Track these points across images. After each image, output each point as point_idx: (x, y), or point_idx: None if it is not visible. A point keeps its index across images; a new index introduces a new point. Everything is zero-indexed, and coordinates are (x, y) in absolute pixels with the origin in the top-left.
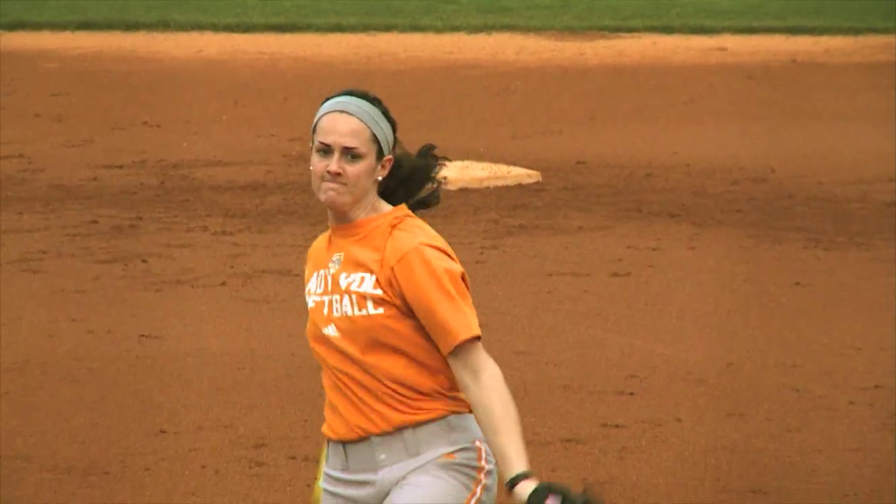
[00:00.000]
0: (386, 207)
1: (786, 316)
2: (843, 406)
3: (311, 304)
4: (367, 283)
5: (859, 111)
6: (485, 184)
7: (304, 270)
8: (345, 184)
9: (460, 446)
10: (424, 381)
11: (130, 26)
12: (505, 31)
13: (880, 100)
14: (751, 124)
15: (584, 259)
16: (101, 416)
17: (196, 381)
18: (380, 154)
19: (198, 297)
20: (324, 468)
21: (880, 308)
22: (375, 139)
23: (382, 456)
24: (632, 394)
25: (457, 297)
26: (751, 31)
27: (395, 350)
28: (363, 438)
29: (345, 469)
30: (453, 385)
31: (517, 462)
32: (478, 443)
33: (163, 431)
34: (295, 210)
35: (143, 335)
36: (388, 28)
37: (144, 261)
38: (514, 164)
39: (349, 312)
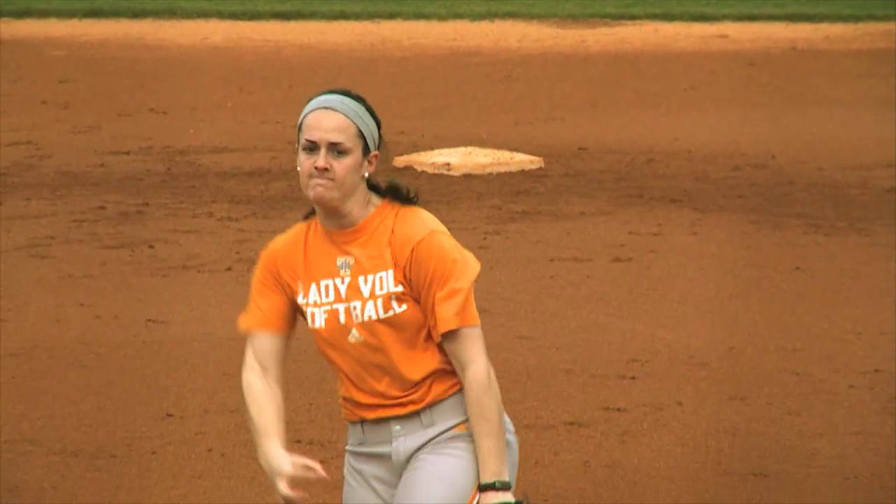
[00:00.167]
0: (379, 200)
1: (786, 301)
2: (843, 390)
3: (320, 314)
4: (388, 283)
5: (859, 98)
6: (488, 170)
7: (261, 285)
8: (332, 179)
9: None
10: (442, 365)
11: (137, 14)
12: (507, 18)
13: (880, 86)
14: (751, 111)
15: (586, 244)
16: (108, 400)
17: (202, 365)
18: (366, 150)
19: (204, 282)
20: (345, 449)
21: (880, 293)
22: (361, 135)
23: (397, 427)
24: (633, 378)
25: (457, 287)
26: (751, 18)
27: (418, 342)
28: (382, 419)
29: (362, 443)
30: None
31: (482, 468)
32: None
33: (169, 415)
34: (299, 196)
35: (149, 320)
36: (391, 16)
37: (151, 246)
38: (517, 150)
39: (375, 316)
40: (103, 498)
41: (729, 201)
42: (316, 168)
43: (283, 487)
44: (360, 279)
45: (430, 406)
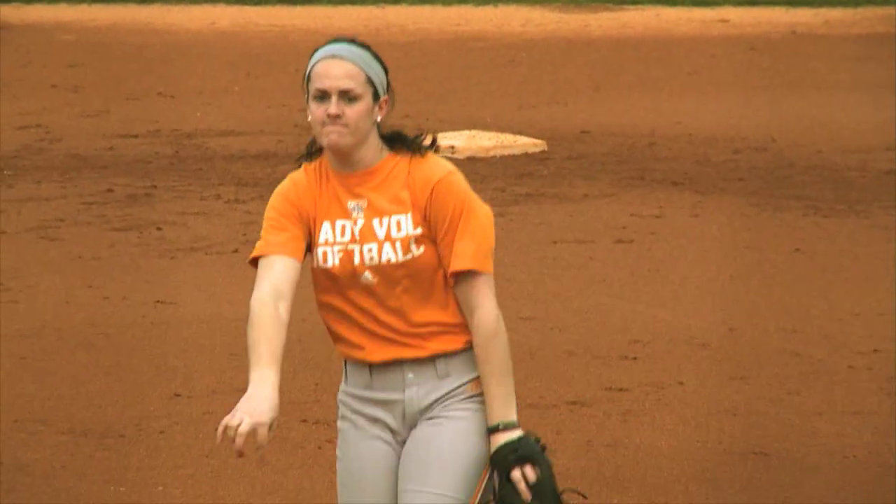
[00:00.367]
0: (390, 148)
1: (786, 282)
2: (842, 370)
3: (333, 254)
4: (406, 225)
5: (858, 81)
6: (491, 153)
7: (279, 215)
8: (346, 125)
9: None
10: (452, 318)
11: None
12: (511, 3)
13: (879, 70)
14: (752, 95)
15: (588, 226)
16: (117, 380)
17: (210, 346)
18: (376, 96)
19: (211, 263)
20: (341, 389)
21: (879, 274)
22: (370, 81)
23: (411, 375)
24: (635, 358)
25: (476, 230)
26: (752, 3)
27: (431, 288)
28: (395, 361)
29: (368, 387)
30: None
31: (488, 412)
32: None
33: (177, 395)
34: None
35: (157, 301)
36: (397, 1)
37: (159, 228)
38: (521, 133)
39: (394, 259)
40: (112, 477)
41: (729, 184)
42: (328, 115)
43: (243, 428)
44: (375, 221)
45: (445, 356)
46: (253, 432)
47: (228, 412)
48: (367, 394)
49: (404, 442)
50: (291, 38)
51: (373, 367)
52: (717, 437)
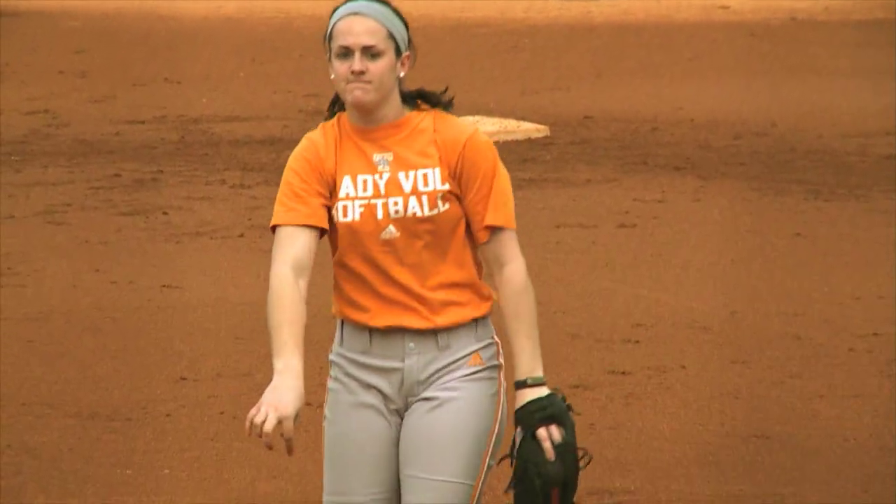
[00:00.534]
0: (413, 105)
1: (787, 266)
2: (842, 353)
3: (354, 208)
4: (434, 180)
5: (858, 67)
6: (495, 138)
7: (299, 179)
8: (369, 82)
9: (484, 343)
10: (467, 280)
11: None
12: None
13: (878, 56)
14: (753, 80)
15: (591, 211)
16: (124, 364)
17: (215, 329)
18: (398, 51)
19: (217, 248)
20: (334, 350)
21: (879, 258)
22: (392, 37)
23: (412, 344)
24: (638, 342)
25: (506, 187)
26: None
27: (450, 245)
28: (397, 329)
29: (365, 352)
30: (482, 285)
31: (516, 367)
32: (495, 337)
33: (183, 379)
34: None
35: (164, 285)
36: None
37: (165, 213)
38: (524, 118)
39: (419, 213)
40: (118, 460)
41: (731, 168)
42: (353, 72)
43: (269, 425)
44: (401, 175)
45: (448, 329)
46: (279, 425)
47: (233, 396)
48: (364, 359)
49: (397, 411)
50: (297, 24)
51: (373, 331)
52: (719, 420)
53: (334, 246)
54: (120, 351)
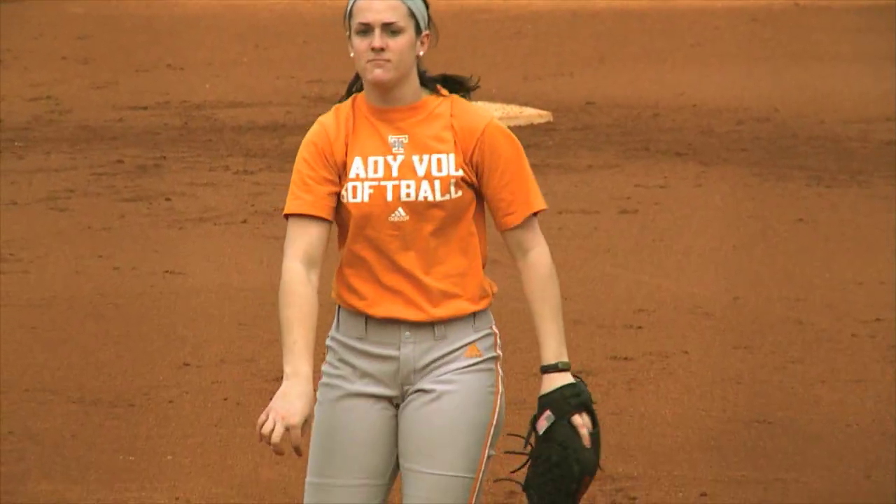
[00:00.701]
0: (431, 88)
1: (789, 251)
2: (844, 338)
3: (364, 189)
4: (448, 165)
5: (860, 53)
6: None
7: (309, 167)
8: (389, 59)
9: (482, 333)
10: (476, 259)
11: None
12: None
13: (880, 42)
14: (755, 66)
15: (593, 197)
16: (127, 349)
17: (218, 315)
18: (417, 30)
19: (220, 234)
20: (331, 334)
21: (880, 243)
22: (412, 14)
23: (408, 333)
24: (640, 327)
25: (530, 172)
26: None
27: (458, 230)
28: (393, 320)
29: (361, 339)
30: (485, 278)
31: (543, 351)
32: (494, 328)
33: (186, 365)
34: None
35: (167, 271)
36: None
37: (168, 199)
38: (526, 104)
39: (431, 197)
40: (121, 446)
41: (733, 154)
42: (372, 49)
43: (276, 435)
44: (415, 158)
45: (445, 321)
46: (287, 433)
47: (236, 382)
48: (360, 345)
49: (392, 398)
50: (300, 9)
51: (369, 319)
52: (721, 406)
53: (342, 229)
54: (123, 337)
